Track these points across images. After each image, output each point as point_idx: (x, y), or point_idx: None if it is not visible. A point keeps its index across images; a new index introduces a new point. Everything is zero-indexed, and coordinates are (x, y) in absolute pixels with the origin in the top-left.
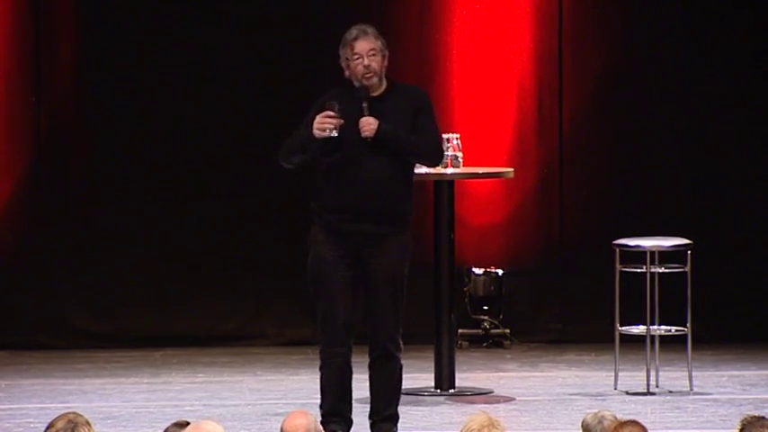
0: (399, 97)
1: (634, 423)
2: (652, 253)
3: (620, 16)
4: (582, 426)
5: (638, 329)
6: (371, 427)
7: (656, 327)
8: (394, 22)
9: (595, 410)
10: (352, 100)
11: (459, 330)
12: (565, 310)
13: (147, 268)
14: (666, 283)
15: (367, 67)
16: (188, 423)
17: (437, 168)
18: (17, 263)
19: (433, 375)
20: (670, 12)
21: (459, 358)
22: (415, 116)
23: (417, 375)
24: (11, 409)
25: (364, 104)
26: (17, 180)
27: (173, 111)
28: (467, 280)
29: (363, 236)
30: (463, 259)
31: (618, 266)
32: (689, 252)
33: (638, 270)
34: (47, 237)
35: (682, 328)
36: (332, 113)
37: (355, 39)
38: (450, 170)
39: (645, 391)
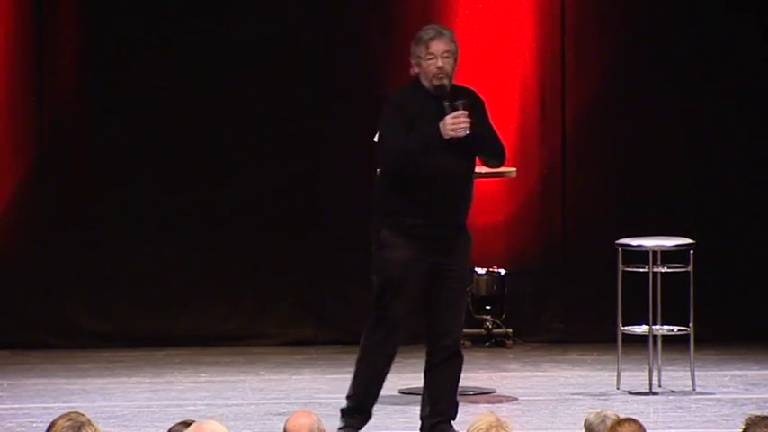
0: (463, 98)
1: (631, 421)
2: (654, 252)
3: (622, 16)
4: (584, 425)
5: (641, 329)
6: (431, 428)
7: (658, 326)
8: (396, 22)
9: (598, 410)
10: (425, 99)
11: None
12: (567, 309)
13: (149, 268)
14: (669, 283)
15: (440, 68)
16: (193, 422)
17: None
18: (20, 262)
19: None
20: (672, 11)
21: None
22: (479, 116)
23: (420, 375)
24: (13, 408)
25: (446, 103)
26: (20, 180)
27: (174, 110)
28: (469, 280)
29: (437, 239)
30: None
31: (620, 266)
32: (691, 252)
33: (641, 270)
34: (49, 236)
35: (684, 328)
36: (465, 112)
37: (431, 39)
38: None
39: (647, 390)
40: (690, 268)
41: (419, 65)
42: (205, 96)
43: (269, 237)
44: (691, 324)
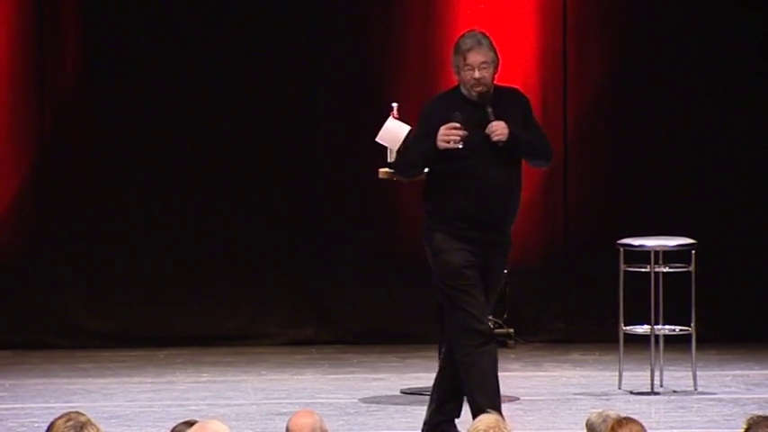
0: (507, 100)
1: (632, 421)
2: (656, 252)
3: (624, 16)
4: (586, 425)
5: (643, 329)
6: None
7: (660, 326)
8: (398, 22)
9: (600, 410)
10: (463, 107)
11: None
12: (569, 309)
13: (151, 268)
14: (671, 283)
15: (478, 79)
16: (196, 422)
17: None
18: (21, 262)
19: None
20: (673, 11)
21: None
22: (524, 118)
23: (421, 375)
24: (14, 408)
25: (489, 109)
26: (21, 180)
27: (176, 111)
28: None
29: (485, 243)
30: None
31: (622, 266)
32: (693, 252)
33: (643, 270)
34: (51, 237)
35: (686, 328)
36: (457, 125)
37: (469, 50)
38: None
39: (649, 390)
40: (691, 268)
41: (458, 74)
42: (206, 97)
43: (270, 237)
44: (692, 324)
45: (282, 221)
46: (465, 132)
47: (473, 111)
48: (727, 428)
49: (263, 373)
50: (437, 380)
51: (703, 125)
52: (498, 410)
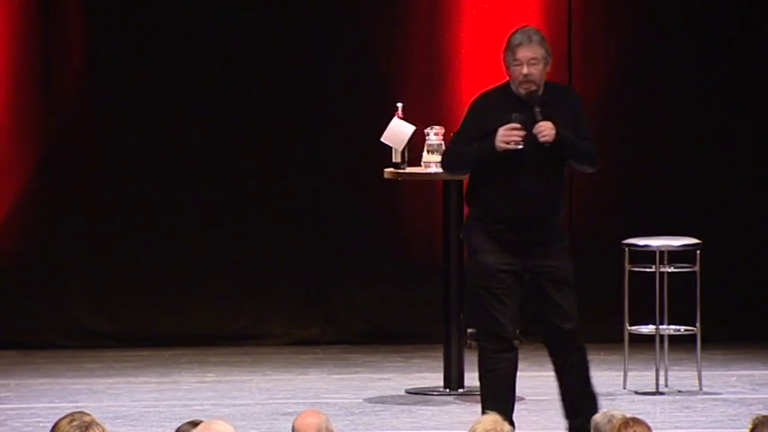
0: (558, 99)
1: (638, 421)
2: (661, 252)
3: (629, 15)
4: (591, 425)
5: (648, 329)
6: (578, 428)
7: (665, 326)
8: (403, 21)
9: (605, 410)
10: (512, 103)
11: (468, 330)
12: None
13: (156, 268)
14: (676, 283)
15: (526, 75)
16: (201, 422)
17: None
18: (26, 263)
19: (442, 375)
20: (680, 10)
21: (468, 358)
22: (574, 119)
23: (426, 375)
24: (20, 408)
25: (537, 109)
26: (26, 181)
27: (180, 110)
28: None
29: (527, 244)
30: None
31: (627, 266)
32: (698, 251)
33: (648, 270)
34: (56, 237)
35: (691, 328)
36: (517, 125)
37: (519, 45)
38: None
39: (654, 390)
40: (697, 268)
41: (508, 69)
42: (212, 96)
43: (275, 236)
44: (698, 324)
45: (287, 221)
46: (525, 133)
47: (521, 109)
48: (732, 428)
49: (268, 373)
50: (557, 385)
51: (710, 124)
52: (509, 418)
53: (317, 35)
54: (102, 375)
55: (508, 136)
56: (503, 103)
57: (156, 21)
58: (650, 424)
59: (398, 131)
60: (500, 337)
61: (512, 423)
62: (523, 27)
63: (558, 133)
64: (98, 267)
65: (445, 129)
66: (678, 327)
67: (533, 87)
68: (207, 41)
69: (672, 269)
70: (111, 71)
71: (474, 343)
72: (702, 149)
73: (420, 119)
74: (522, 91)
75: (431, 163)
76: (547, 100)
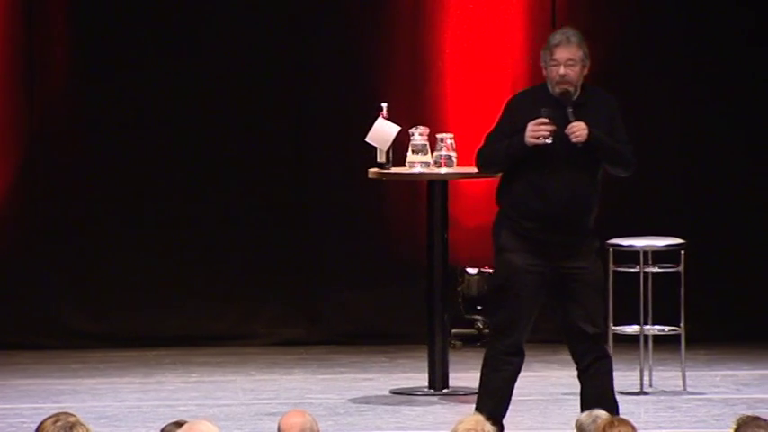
0: (595, 101)
1: (623, 422)
2: (645, 252)
3: (613, 16)
4: (576, 425)
5: (632, 329)
6: None
7: (649, 326)
8: (387, 21)
9: (589, 410)
10: (551, 104)
11: (453, 330)
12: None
13: (140, 268)
14: (660, 283)
15: (563, 75)
16: (185, 422)
17: (430, 167)
18: (11, 263)
19: (426, 375)
20: (664, 11)
21: (453, 358)
22: (610, 122)
23: (411, 375)
24: (4, 409)
25: (570, 110)
26: (10, 181)
27: (164, 111)
28: (460, 280)
29: (556, 245)
30: (456, 259)
31: (611, 266)
32: (682, 252)
33: (632, 270)
34: (40, 237)
35: (675, 328)
36: (546, 120)
37: (557, 45)
38: (443, 170)
39: (638, 390)
40: (681, 268)
41: (545, 69)
42: (195, 97)
43: (260, 237)
44: (682, 324)
45: (272, 222)
46: (554, 127)
47: (556, 109)
48: (716, 428)
49: (253, 373)
50: (580, 388)
51: (692, 125)
52: (499, 418)
53: (301, 36)
54: (86, 376)
55: (537, 131)
56: (537, 102)
57: (138, 20)
58: (635, 424)
59: (383, 132)
60: (512, 340)
61: (501, 425)
62: (563, 27)
63: (590, 134)
64: (82, 268)
65: (430, 129)
66: (662, 327)
67: (570, 88)
68: (190, 42)
69: (656, 269)
70: (94, 71)
71: (459, 343)
72: (686, 150)
73: (404, 119)
74: (557, 91)
75: (415, 163)
76: (582, 101)
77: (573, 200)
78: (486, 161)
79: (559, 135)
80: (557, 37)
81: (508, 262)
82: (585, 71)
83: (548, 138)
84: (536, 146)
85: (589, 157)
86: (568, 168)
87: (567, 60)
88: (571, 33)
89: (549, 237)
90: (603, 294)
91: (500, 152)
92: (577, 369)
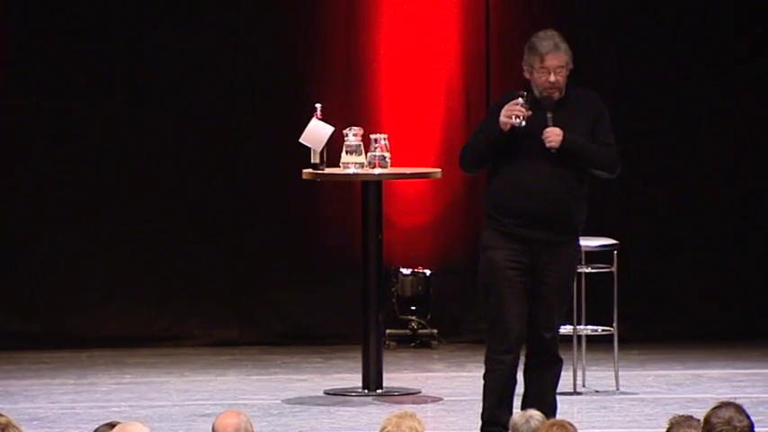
0: (578, 103)
1: (563, 424)
2: None
3: (547, 15)
4: (510, 425)
5: (565, 329)
6: None
7: (582, 326)
8: (321, 21)
9: (523, 410)
10: (532, 106)
11: (387, 330)
12: None
13: (73, 269)
14: (593, 283)
15: (552, 83)
16: (118, 424)
17: (364, 168)
18: None
19: (360, 375)
20: (594, 10)
21: (387, 358)
22: (594, 124)
23: (345, 375)
24: None
25: (549, 115)
26: None
27: (98, 111)
28: (394, 280)
29: (536, 242)
30: (391, 259)
31: None
32: (615, 252)
33: None
34: None
35: (608, 328)
36: (520, 101)
37: (547, 53)
38: (377, 170)
39: (572, 390)
40: (614, 269)
41: (531, 73)
42: (127, 96)
43: (194, 238)
44: (614, 324)
45: (205, 222)
46: (528, 111)
47: (536, 111)
48: (649, 428)
49: (187, 374)
50: (524, 383)
51: (624, 126)
52: (501, 420)
53: (234, 35)
54: (18, 377)
55: (511, 111)
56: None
57: (71, 14)
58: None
59: (317, 132)
60: (500, 338)
61: (506, 427)
62: (547, 31)
63: (565, 139)
64: (14, 268)
65: (364, 129)
66: (595, 327)
67: (557, 94)
68: (128, 43)
69: (589, 269)
70: (26, 67)
71: (393, 344)
72: (619, 150)
73: (339, 119)
74: (545, 95)
75: (349, 164)
76: (568, 104)
77: (551, 196)
78: (466, 156)
79: (538, 137)
80: (545, 44)
81: (490, 260)
82: (569, 74)
83: (521, 120)
84: (511, 131)
85: (565, 159)
86: (549, 165)
87: (556, 68)
88: (558, 39)
89: (528, 233)
90: (568, 302)
91: (479, 143)
92: (524, 368)
